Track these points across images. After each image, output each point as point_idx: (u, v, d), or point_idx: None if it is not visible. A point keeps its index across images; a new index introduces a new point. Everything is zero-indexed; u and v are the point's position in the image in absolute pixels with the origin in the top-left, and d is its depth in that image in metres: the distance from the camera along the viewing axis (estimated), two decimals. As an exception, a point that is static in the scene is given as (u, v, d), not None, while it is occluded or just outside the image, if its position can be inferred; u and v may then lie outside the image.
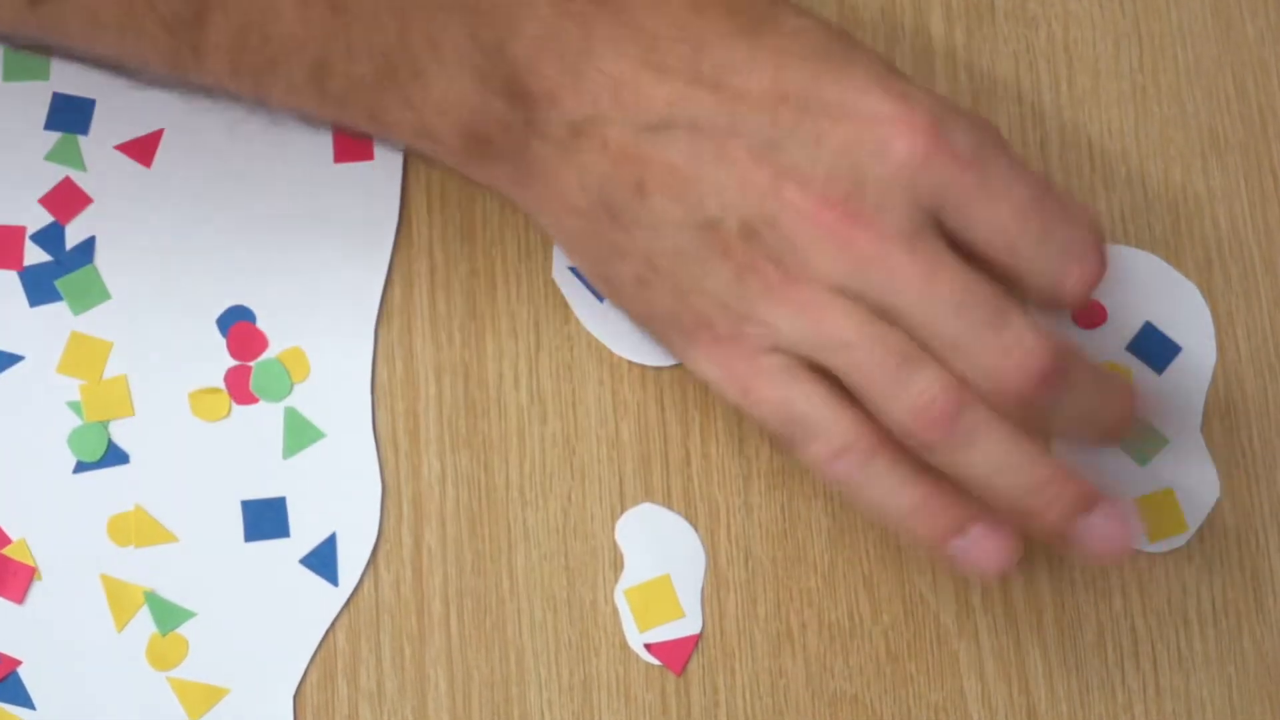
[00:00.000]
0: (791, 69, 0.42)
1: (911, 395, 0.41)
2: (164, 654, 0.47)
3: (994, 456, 0.42)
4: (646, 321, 0.45)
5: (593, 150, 0.42)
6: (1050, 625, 0.48)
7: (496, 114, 0.42)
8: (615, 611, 0.48)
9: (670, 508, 0.48)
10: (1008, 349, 0.41)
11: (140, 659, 0.47)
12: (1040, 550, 0.48)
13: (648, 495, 0.48)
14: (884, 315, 0.41)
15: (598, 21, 0.42)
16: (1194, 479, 0.49)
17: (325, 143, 0.49)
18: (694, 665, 0.47)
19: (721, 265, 0.42)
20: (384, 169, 0.49)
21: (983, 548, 0.43)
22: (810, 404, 0.42)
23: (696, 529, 0.48)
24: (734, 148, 0.41)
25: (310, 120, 0.47)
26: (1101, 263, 0.43)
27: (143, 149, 0.49)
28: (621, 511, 0.48)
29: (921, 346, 0.42)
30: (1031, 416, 0.42)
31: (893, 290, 0.41)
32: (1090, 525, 0.43)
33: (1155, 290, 0.50)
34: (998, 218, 0.42)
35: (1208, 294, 0.50)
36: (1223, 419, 0.50)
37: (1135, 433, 0.47)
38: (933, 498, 0.42)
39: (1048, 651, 0.48)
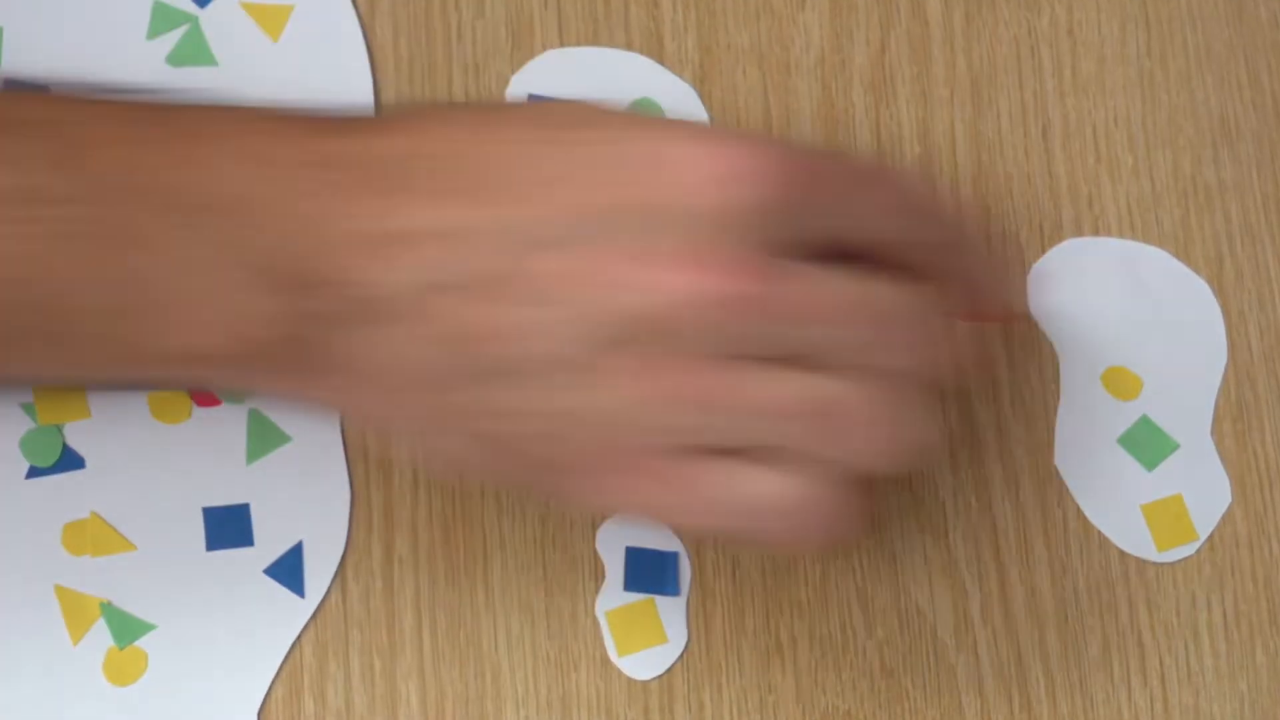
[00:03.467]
0: (593, 147, 0.39)
1: (862, 434, 0.39)
2: (122, 668, 0.46)
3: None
4: (533, 476, 0.41)
5: (415, 321, 0.38)
6: (1053, 639, 0.48)
7: (282, 315, 0.39)
8: (595, 624, 0.47)
9: None
10: (912, 329, 0.40)
11: (97, 673, 0.46)
12: (1042, 557, 0.48)
13: None
14: (792, 361, 0.39)
15: (370, 182, 0.38)
16: (1204, 484, 0.49)
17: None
18: (679, 680, 0.47)
19: (603, 389, 0.38)
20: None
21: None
22: (747, 486, 0.39)
23: (681, 539, 0.47)
24: (564, 259, 0.38)
25: (42, 380, 0.44)
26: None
27: None
28: (602, 520, 0.47)
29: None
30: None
31: (800, 337, 0.38)
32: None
33: (1164, 287, 0.50)
34: (869, 201, 0.40)
35: (1218, 290, 0.50)
36: (1234, 421, 0.49)
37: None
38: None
39: (1050, 666, 0.47)
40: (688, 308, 0.37)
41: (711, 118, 0.50)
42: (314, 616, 0.46)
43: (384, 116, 0.41)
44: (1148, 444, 0.49)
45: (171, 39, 0.49)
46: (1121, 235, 0.50)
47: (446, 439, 0.40)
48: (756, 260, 0.37)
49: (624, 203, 0.38)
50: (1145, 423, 0.49)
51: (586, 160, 0.38)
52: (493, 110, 0.40)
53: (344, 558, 0.47)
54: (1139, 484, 0.48)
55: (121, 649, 0.46)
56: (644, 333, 0.37)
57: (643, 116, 0.40)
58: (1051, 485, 0.48)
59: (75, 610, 0.46)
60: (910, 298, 0.39)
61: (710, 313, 0.37)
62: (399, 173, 0.39)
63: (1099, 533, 0.48)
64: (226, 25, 0.49)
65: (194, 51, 0.49)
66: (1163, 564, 0.48)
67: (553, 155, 0.38)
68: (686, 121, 0.40)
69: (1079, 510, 0.48)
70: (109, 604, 0.46)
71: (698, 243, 0.37)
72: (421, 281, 0.38)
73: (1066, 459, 0.48)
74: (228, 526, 0.47)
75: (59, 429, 0.47)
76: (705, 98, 0.50)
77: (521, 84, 0.50)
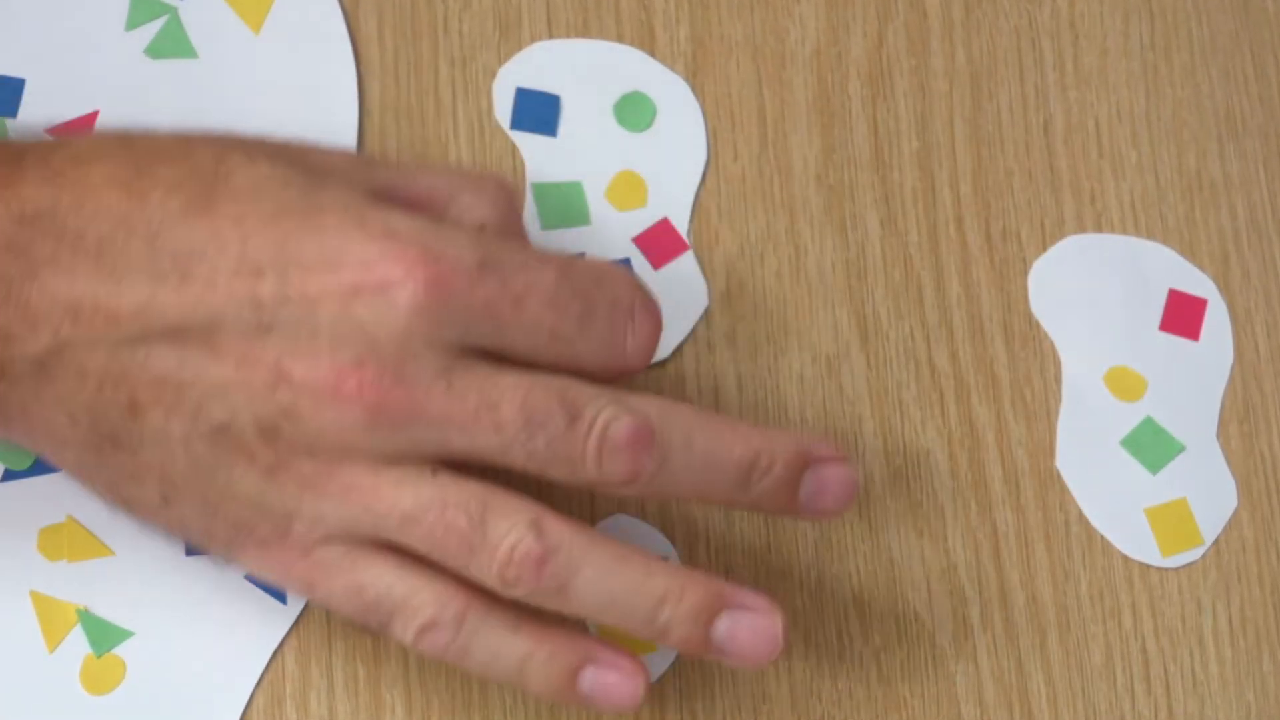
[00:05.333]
0: (258, 236, 0.39)
1: (490, 552, 0.39)
2: (99, 677, 0.46)
3: (598, 590, 0.40)
4: (184, 536, 0.43)
5: (69, 381, 0.39)
6: (1055, 646, 0.47)
7: None
8: (585, 631, 0.46)
9: (645, 520, 0.47)
10: (586, 436, 0.39)
11: (74, 682, 0.45)
12: (1043, 562, 0.47)
13: (620, 506, 0.47)
14: (454, 466, 0.40)
15: (32, 242, 0.39)
16: (1210, 487, 0.49)
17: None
18: (671, 689, 0.46)
19: (247, 471, 0.39)
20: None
21: (609, 682, 0.41)
22: (383, 583, 0.40)
23: (673, 543, 0.47)
24: (222, 343, 0.39)
25: None
26: (653, 313, 0.41)
27: (76, 132, 0.48)
28: (593, 524, 0.47)
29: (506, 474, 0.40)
30: (651, 490, 0.40)
31: (449, 440, 0.39)
32: (726, 635, 0.41)
33: (1168, 285, 0.50)
34: (532, 319, 0.40)
35: (1224, 289, 0.50)
36: (1241, 423, 0.49)
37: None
38: (542, 643, 0.41)
39: (1052, 675, 0.47)
40: (327, 410, 0.38)
41: (704, 111, 0.50)
42: (296, 623, 0.46)
43: (44, 150, 0.41)
44: (1152, 446, 0.48)
45: (150, 30, 0.49)
46: (1125, 232, 0.50)
47: (127, 493, 0.41)
48: (396, 368, 0.38)
49: (273, 296, 0.38)
50: (1149, 424, 0.49)
51: (238, 240, 0.39)
52: (149, 160, 0.40)
53: (327, 563, 0.46)
54: (1143, 487, 0.48)
55: (99, 657, 0.46)
56: (289, 425, 0.39)
57: (301, 179, 0.40)
58: (1053, 488, 0.48)
59: (51, 617, 0.46)
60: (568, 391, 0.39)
61: (344, 416, 0.38)
62: (49, 229, 0.39)
63: (1101, 537, 0.48)
64: (207, 16, 0.49)
65: (173, 44, 0.49)
66: (1167, 569, 0.48)
67: (203, 229, 0.39)
68: (350, 198, 0.40)
69: (1081, 514, 0.48)
70: (86, 611, 0.46)
71: (341, 346, 0.38)
72: (64, 346, 0.39)
73: (1068, 461, 0.48)
74: (207, 531, 0.46)
75: (34, 431, 0.46)
76: (698, 91, 0.50)
77: (509, 77, 0.50)
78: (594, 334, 0.40)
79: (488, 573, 0.39)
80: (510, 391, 0.39)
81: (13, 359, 0.39)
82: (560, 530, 0.39)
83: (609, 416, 0.39)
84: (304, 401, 0.38)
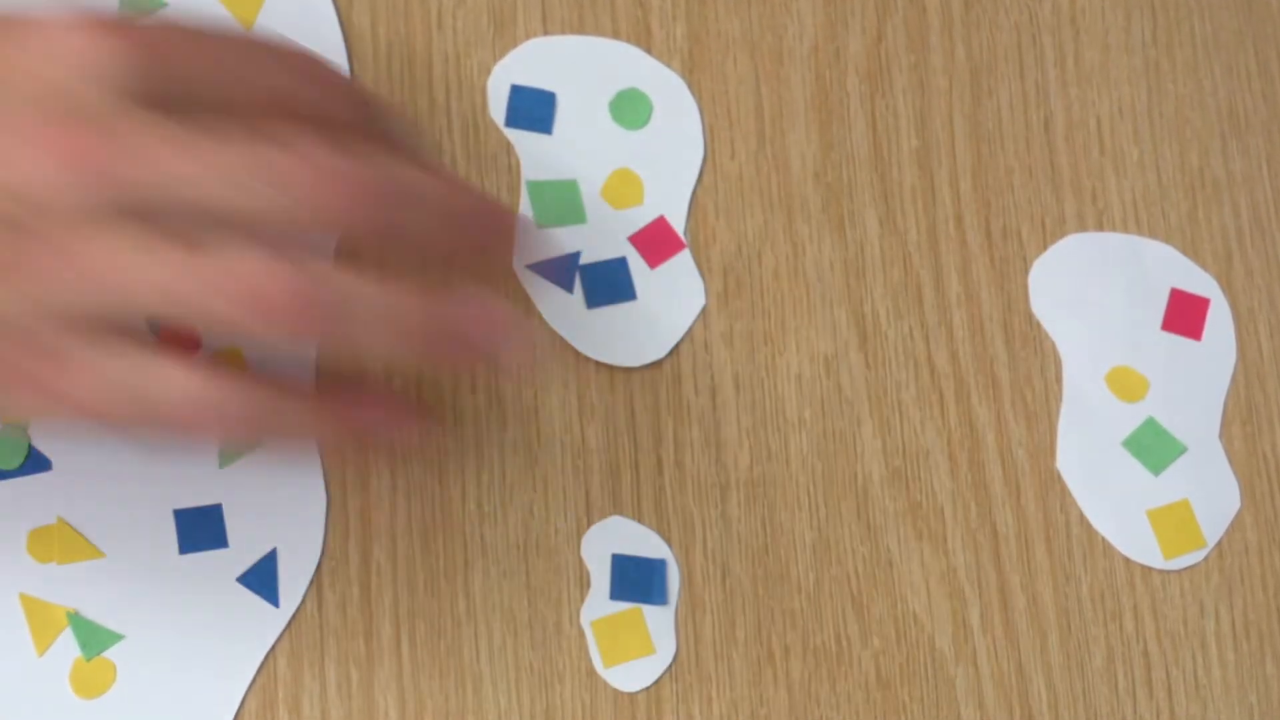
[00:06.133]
0: None
1: (233, 283, 0.36)
2: (89, 680, 0.46)
3: (376, 319, 0.38)
4: None
5: None
6: (1055, 649, 0.47)
7: None
8: (581, 635, 0.46)
9: (641, 521, 0.47)
10: (312, 176, 0.37)
11: (64, 685, 0.45)
12: (1044, 564, 0.47)
13: (616, 508, 0.47)
14: (166, 219, 0.37)
15: None
16: (1213, 489, 0.49)
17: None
18: (667, 693, 0.46)
19: None
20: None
21: (392, 418, 0.42)
22: (134, 367, 0.37)
23: (670, 544, 0.47)
24: None
25: None
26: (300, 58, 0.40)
27: None
28: (588, 525, 0.47)
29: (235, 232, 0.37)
30: (387, 246, 0.38)
31: (159, 184, 0.37)
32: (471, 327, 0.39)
33: (1170, 284, 0.49)
34: (214, 52, 0.38)
35: (1227, 288, 0.50)
36: (1243, 424, 0.49)
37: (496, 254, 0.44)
38: (327, 398, 0.40)
39: (1053, 678, 0.47)
40: (38, 177, 0.36)
41: (701, 108, 0.50)
42: (288, 626, 0.46)
43: None
44: (1154, 447, 0.48)
45: None
46: (1126, 230, 0.50)
47: None
48: (106, 119, 0.36)
49: None
50: (1151, 425, 0.48)
51: None
52: None
53: (320, 565, 0.46)
54: (1145, 488, 0.48)
55: (89, 660, 0.45)
56: (12, 210, 0.36)
57: None
58: (1054, 489, 0.48)
59: (41, 620, 0.46)
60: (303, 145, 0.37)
61: (61, 176, 0.36)
62: None
63: (1103, 539, 0.48)
64: (197, 11, 0.49)
65: None
66: (1169, 571, 0.48)
67: None
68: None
69: (1082, 515, 0.48)
70: (76, 613, 0.46)
71: (47, 110, 0.36)
72: None
73: (1069, 462, 0.48)
74: (200, 528, 0.46)
75: (24, 430, 0.46)
76: (694, 87, 0.50)
77: (504, 73, 0.49)
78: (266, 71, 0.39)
79: (240, 307, 0.36)
80: (210, 134, 0.37)
81: None
82: (315, 265, 0.37)
83: (325, 152, 0.37)
84: (13, 175, 0.36)
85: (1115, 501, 0.48)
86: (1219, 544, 0.48)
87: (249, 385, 0.38)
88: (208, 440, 0.38)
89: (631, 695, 0.46)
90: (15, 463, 0.46)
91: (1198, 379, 0.49)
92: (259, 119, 0.38)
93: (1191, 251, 0.50)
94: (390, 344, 0.38)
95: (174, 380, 0.37)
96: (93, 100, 0.37)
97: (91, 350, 0.37)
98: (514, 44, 0.49)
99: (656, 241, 0.49)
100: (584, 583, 0.47)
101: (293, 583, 0.46)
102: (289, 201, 0.37)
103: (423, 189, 0.39)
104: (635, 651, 0.46)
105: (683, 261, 0.48)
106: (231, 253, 0.36)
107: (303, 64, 0.40)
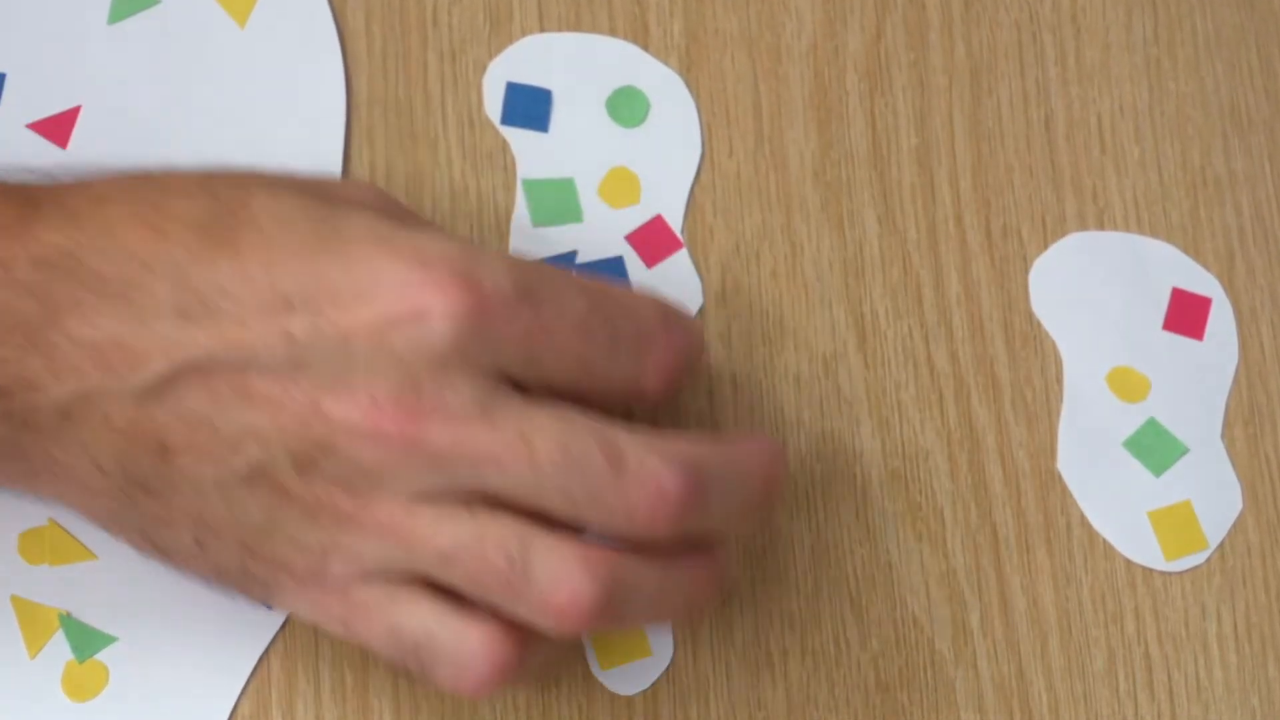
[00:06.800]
0: (285, 269, 0.38)
1: (540, 596, 0.38)
2: (81, 683, 0.45)
3: (651, 608, 0.40)
4: (221, 580, 0.42)
5: (96, 427, 0.38)
6: (1056, 651, 0.47)
7: None
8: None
9: None
10: (634, 489, 0.38)
11: (56, 688, 0.45)
12: (1044, 566, 0.47)
13: None
14: (490, 503, 0.39)
15: (53, 285, 0.38)
16: (1214, 490, 0.48)
17: (257, 136, 0.48)
18: (664, 696, 0.46)
19: (284, 510, 0.39)
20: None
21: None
22: (421, 626, 0.39)
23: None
24: (254, 381, 0.38)
25: None
26: (676, 343, 0.41)
27: (58, 127, 0.48)
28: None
29: (542, 517, 0.39)
30: (691, 533, 0.40)
31: (485, 476, 0.38)
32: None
33: (1171, 283, 0.50)
34: (563, 346, 0.39)
35: (1229, 287, 0.50)
36: (1246, 424, 0.49)
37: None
38: None
39: (1053, 680, 0.47)
40: (363, 445, 0.38)
41: (698, 106, 0.49)
42: (282, 628, 0.46)
43: (59, 191, 0.40)
44: (1155, 448, 0.48)
45: (134, 23, 0.49)
46: (1127, 229, 0.50)
47: (160, 539, 0.41)
48: (434, 401, 0.38)
49: (304, 331, 0.38)
50: (1152, 425, 0.48)
51: (265, 274, 0.38)
52: (168, 197, 0.39)
53: (314, 567, 0.46)
54: (1146, 489, 0.48)
55: (81, 663, 0.45)
56: (325, 461, 0.38)
57: (315, 207, 0.39)
58: (1054, 490, 0.48)
59: (33, 622, 0.46)
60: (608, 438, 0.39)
61: (380, 451, 0.38)
62: (69, 272, 0.38)
63: (1104, 540, 0.48)
64: (190, 10, 0.49)
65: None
66: (1171, 573, 0.48)
67: (228, 265, 0.38)
68: (379, 225, 0.39)
69: (1083, 517, 0.48)
70: (68, 615, 0.46)
71: (376, 380, 0.38)
72: (90, 391, 0.38)
73: (1070, 463, 0.48)
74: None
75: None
76: (692, 86, 0.50)
77: (499, 71, 0.49)
78: (619, 361, 0.40)
79: (539, 615, 0.38)
80: (547, 427, 0.38)
81: (37, 408, 0.38)
82: (608, 562, 0.39)
83: (655, 464, 0.38)
84: (340, 437, 0.38)
85: (1116, 503, 0.48)
86: (1221, 545, 0.48)
87: (506, 648, 0.39)
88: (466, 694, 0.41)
89: (628, 698, 0.46)
90: (7, 464, 0.46)
91: (1199, 379, 0.49)
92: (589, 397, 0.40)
93: (1193, 251, 0.50)
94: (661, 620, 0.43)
95: (438, 633, 0.40)
96: (427, 375, 0.38)
97: (369, 591, 0.39)
98: (510, 41, 0.49)
99: (654, 240, 0.48)
100: (580, 585, 0.47)
101: (287, 584, 0.46)
102: (616, 521, 0.39)
103: (724, 473, 0.40)
104: (632, 654, 0.46)
105: (680, 261, 0.48)
106: (552, 559, 0.38)
107: (651, 318, 0.40)
